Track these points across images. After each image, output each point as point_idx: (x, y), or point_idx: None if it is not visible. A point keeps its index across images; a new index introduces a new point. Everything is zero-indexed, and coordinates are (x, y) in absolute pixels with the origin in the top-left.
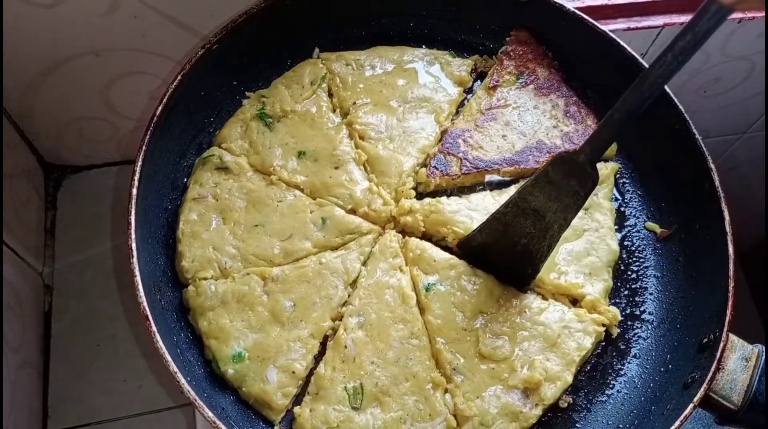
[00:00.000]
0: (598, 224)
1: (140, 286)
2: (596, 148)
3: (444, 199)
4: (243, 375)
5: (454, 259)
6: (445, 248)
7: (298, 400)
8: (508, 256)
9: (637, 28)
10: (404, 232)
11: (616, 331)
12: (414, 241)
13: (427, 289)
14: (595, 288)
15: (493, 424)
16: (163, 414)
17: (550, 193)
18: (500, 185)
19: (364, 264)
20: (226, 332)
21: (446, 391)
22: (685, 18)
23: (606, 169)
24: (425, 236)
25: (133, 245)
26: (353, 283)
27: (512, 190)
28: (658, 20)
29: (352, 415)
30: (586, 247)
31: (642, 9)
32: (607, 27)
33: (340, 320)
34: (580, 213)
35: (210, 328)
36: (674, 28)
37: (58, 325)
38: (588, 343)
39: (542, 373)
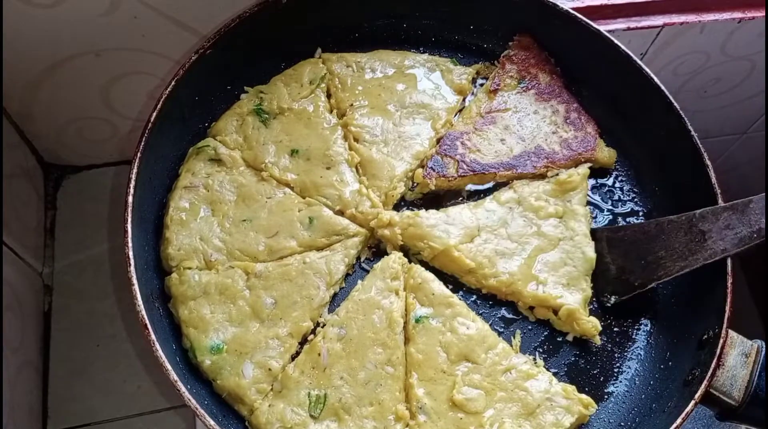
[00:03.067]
0: (572, 232)
1: (138, 295)
2: None
3: (423, 211)
4: (219, 367)
5: (454, 298)
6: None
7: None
8: (632, 260)
9: (636, 28)
10: (379, 245)
11: (599, 341)
12: (418, 269)
13: (417, 321)
14: (574, 298)
15: None
16: (163, 414)
17: (731, 222)
18: (476, 197)
19: (353, 273)
20: (206, 322)
21: (407, 425)
22: (685, 18)
23: (578, 174)
24: (403, 250)
25: (131, 253)
26: (348, 297)
27: (488, 202)
28: (658, 20)
29: (308, 422)
30: (562, 257)
31: (642, 9)
32: (606, 27)
33: (322, 326)
34: (554, 221)
35: (190, 316)
36: (674, 28)
37: (58, 325)
38: (567, 422)
39: None
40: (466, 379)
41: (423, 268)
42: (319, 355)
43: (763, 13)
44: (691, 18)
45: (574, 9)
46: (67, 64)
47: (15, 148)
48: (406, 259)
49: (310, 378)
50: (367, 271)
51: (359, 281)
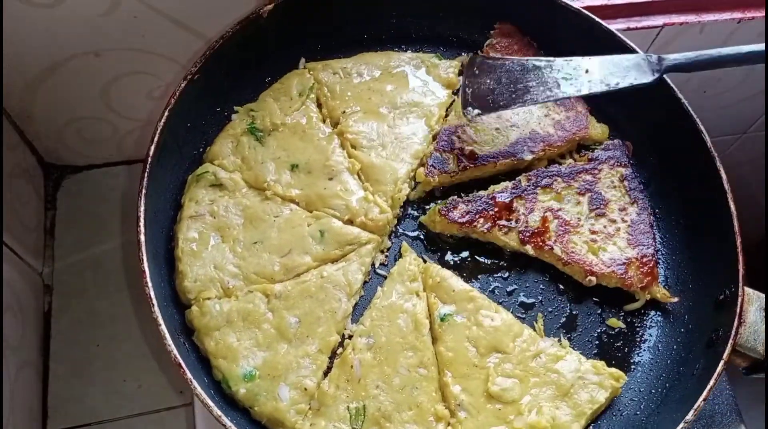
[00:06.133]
0: None
1: (167, 334)
2: None
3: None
4: (255, 394)
5: (474, 292)
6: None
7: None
8: (503, 85)
9: (636, 28)
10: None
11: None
12: (435, 268)
13: (442, 319)
14: None
15: None
16: (163, 414)
17: (610, 67)
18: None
19: (369, 280)
20: (234, 351)
21: (449, 424)
22: (685, 18)
23: None
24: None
25: (152, 293)
26: (368, 304)
27: None
28: (658, 20)
29: None
30: None
31: (642, 9)
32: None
33: (348, 338)
34: None
35: (217, 347)
36: (674, 28)
37: (58, 325)
38: (602, 397)
39: (549, 421)
40: (498, 369)
41: (439, 266)
42: (352, 367)
43: (762, 14)
44: (691, 18)
45: None
46: (67, 64)
47: (15, 148)
48: (421, 260)
49: (346, 391)
50: (383, 276)
51: (379, 288)
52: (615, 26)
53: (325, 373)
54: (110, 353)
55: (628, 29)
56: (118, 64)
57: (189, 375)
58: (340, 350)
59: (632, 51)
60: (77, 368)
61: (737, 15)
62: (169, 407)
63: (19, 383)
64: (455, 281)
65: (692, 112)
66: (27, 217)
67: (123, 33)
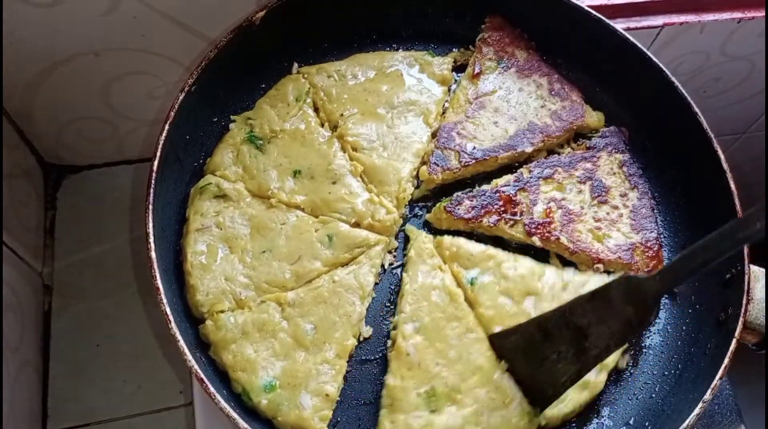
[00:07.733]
0: None
1: (186, 351)
2: (668, 281)
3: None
4: (277, 404)
5: (490, 250)
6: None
7: (334, 423)
8: (535, 367)
9: (636, 28)
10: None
11: None
12: (448, 239)
13: (471, 284)
14: None
15: (566, 397)
16: (163, 414)
17: (601, 314)
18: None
19: (380, 282)
20: (252, 363)
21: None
22: (685, 18)
23: None
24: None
25: (168, 310)
26: (398, 292)
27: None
28: (658, 20)
29: (432, 418)
30: None
31: (642, 9)
32: None
33: (394, 329)
34: None
35: (235, 360)
36: (674, 28)
37: (58, 325)
38: None
39: None
40: (538, 309)
41: (451, 237)
42: (408, 354)
43: (762, 13)
44: (691, 18)
45: None
46: (67, 64)
47: (15, 148)
48: (431, 236)
49: (411, 379)
50: (397, 275)
51: (404, 274)
52: (615, 26)
53: (346, 378)
54: (110, 353)
55: (628, 29)
56: (118, 64)
57: (212, 389)
58: (389, 343)
59: (629, 42)
60: (77, 368)
61: (737, 15)
62: (169, 407)
63: (19, 383)
64: (471, 245)
65: (685, 93)
66: (27, 217)
67: (123, 33)
